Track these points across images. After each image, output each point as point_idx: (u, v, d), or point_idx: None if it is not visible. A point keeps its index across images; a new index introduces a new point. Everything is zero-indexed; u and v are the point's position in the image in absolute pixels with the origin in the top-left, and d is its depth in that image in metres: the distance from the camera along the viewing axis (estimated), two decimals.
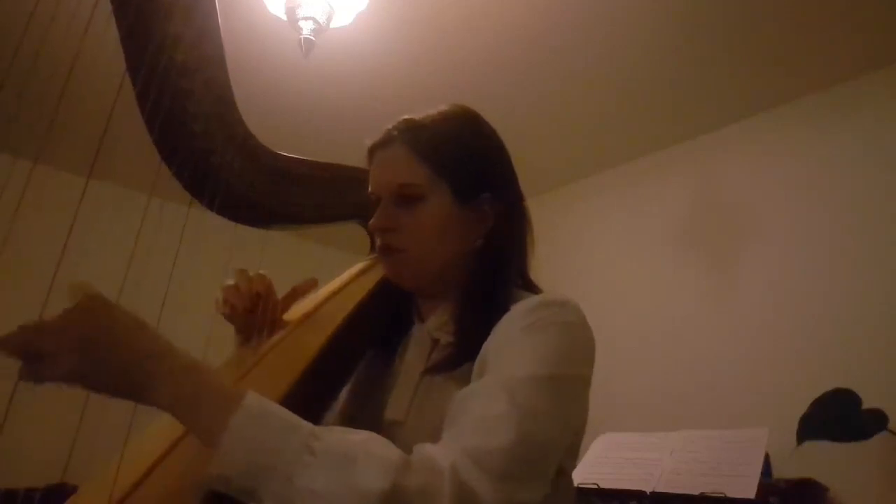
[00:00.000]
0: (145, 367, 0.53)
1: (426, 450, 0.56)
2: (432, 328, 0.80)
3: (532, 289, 0.82)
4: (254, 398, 0.54)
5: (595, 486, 1.82)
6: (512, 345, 0.66)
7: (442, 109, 0.83)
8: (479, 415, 0.59)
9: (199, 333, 0.86)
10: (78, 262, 0.56)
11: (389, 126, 0.82)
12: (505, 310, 0.72)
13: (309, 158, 0.86)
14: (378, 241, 0.81)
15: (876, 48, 2.18)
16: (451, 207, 0.78)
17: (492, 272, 0.78)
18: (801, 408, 1.80)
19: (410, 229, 0.78)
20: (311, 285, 0.88)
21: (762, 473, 1.67)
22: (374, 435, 0.56)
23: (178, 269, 0.77)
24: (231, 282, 0.82)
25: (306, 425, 0.54)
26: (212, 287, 0.80)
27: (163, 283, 0.74)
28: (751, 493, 1.58)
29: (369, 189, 0.82)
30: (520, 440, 0.56)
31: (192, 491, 0.54)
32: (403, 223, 0.78)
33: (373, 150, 0.83)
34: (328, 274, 0.92)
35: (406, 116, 0.82)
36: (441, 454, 0.55)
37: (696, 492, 1.67)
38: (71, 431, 0.60)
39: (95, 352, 0.52)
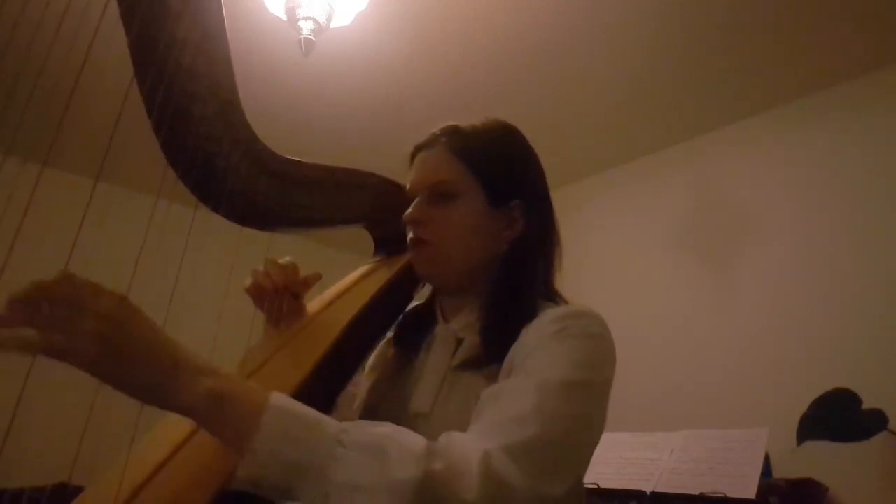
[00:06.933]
0: (170, 373, 0.52)
1: (453, 436, 0.57)
2: (458, 328, 0.82)
3: (557, 301, 0.83)
4: (280, 399, 0.54)
5: (595, 486, 1.82)
6: (542, 349, 0.68)
7: (484, 120, 0.87)
8: (510, 410, 0.61)
9: (205, 333, 0.87)
10: (86, 264, 0.56)
11: (436, 130, 0.85)
12: (532, 316, 0.74)
13: (313, 161, 0.86)
14: (409, 234, 0.83)
15: (876, 48, 2.19)
16: (482, 207, 0.81)
17: (516, 278, 0.80)
18: (801, 408, 1.81)
19: (441, 223, 0.81)
20: (315, 279, 0.88)
21: (762, 473, 1.68)
22: (396, 426, 0.57)
23: (185, 270, 0.78)
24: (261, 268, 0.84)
25: (333, 421, 0.55)
26: (217, 288, 0.80)
27: (169, 284, 0.75)
28: (751, 493, 1.59)
29: (407, 187, 0.85)
30: (548, 436, 0.58)
31: (197, 492, 0.55)
32: (435, 217, 0.81)
33: (416, 151, 0.87)
34: (334, 275, 0.92)
35: (451, 123, 0.85)
36: (470, 441, 0.56)
37: (695, 492, 1.67)
38: (77, 432, 0.60)
39: (117, 349, 0.50)
